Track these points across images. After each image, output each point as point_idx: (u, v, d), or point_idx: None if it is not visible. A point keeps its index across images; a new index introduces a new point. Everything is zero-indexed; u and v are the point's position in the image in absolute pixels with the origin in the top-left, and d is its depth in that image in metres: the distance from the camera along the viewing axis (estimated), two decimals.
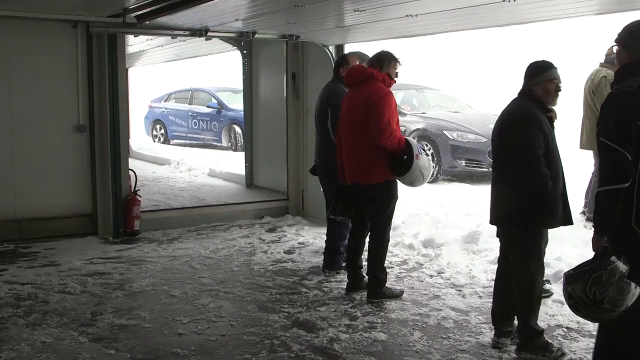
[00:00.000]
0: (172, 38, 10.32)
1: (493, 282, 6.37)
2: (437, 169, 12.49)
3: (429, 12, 6.48)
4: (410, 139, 6.21)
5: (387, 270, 6.31)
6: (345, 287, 6.40)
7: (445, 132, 12.62)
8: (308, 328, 5.43)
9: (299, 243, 8.34)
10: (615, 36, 3.97)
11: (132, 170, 9.13)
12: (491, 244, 7.50)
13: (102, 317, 5.68)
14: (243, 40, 10.55)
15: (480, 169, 12.39)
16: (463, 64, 22.04)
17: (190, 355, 4.91)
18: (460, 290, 6.37)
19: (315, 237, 8.50)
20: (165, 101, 20.64)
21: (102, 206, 8.71)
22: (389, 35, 8.31)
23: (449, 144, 12.44)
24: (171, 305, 6.03)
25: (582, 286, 3.70)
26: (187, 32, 8.81)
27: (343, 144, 6.16)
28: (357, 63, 6.65)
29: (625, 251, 3.69)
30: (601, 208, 3.74)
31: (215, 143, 18.56)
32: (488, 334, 5.27)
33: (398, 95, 14.46)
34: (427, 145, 12.57)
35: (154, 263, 7.41)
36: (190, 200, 10.63)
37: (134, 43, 12.24)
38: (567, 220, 4.86)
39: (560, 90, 4.81)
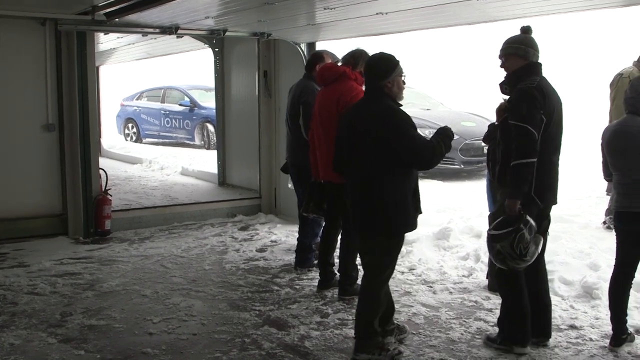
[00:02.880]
0: (143, 36, 10.26)
1: (463, 278, 6.52)
2: None
3: (398, 10, 6.50)
4: None
5: (359, 267, 6.32)
6: (317, 284, 6.40)
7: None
8: (279, 326, 5.44)
9: (271, 241, 8.33)
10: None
11: (103, 170, 9.06)
12: (462, 240, 7.58)
13: (72, 318, 5.64)
14: (214, 38, 10.53)
15: (452, 166, 12.44)
16: (437, 62, 22.14)
17: (161, 355, 4.89)
18: (431, 287, 6.40)
19: (287, 235, 8.50)
20: (137, 99, 20.47)
21: (73, 206, 8.62)
22: (360, 33, 8.34)
23: None
24: (142, 304, 6.00)
25: (509, 243, 4.51)
26: (157, 30, 8.76)
27: (316, 141, 6.16)
28: (330, 61, 6.65)
29: (528, 214, 4.58)
30: (518, 177, 4.56)
31: (188, 141, 18.45)
32: (458, 329, 5.33)
33: None
34: None
35: (125, 263, 7.36)
36: (162, 199, 10.56)
37: (105, 41, 12.12)
38: (418, 210, 4.88)
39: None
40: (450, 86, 17.79)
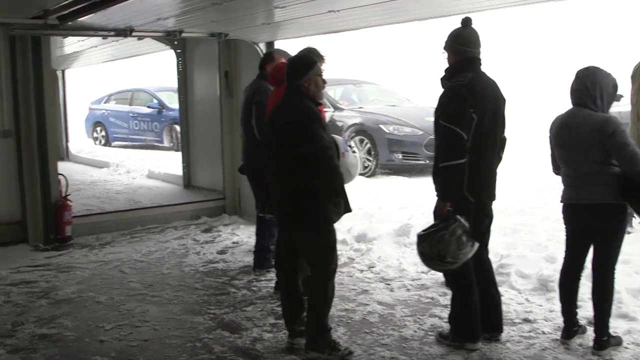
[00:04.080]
0: (104, 38, 10.13)
1: (422, 275, 6.50)
2: (374, 163, 12.53)
3: (350, 7, 6.48)
4: (336, 136, 6.17)
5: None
6: (274, 285, 6.36)
7: (381, 126, 12.64)
8: (232, 329, 5.39)
9: (233, 243, 8.28)
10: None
11: (62, 175, 8.93)
12: None
13: (23, 327, 5.55)
14: (176, 40, 10.43)
15: (417, 162, 12.44)
16: (403, 58, 22.19)
17: None
18: (388, 284, 6.39)
19: (249, 236, 8.44)
20: (105, 102, 20.31)
21: (32, 213, 8.49)
22: (317, 31, 8.31)
23: (386, 138, 12.46)
24: (96, 311, 5.92)
25: (429, 244, 4.55)
26: (112, 32, 8.64)
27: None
28: (283, 60, 6.60)
29: (462, 213, 4.56)
30: (446, 179, 4.59)
31: (157, 143, 18.34)
32: (412, 327, 5.32)
33: (337, 91, 14.51)
34: (365, 141, 12.61)
35: (83, 269, 7.27)
36: (125, 203, 10.45)
37: (68, 44, 12.02)
38: (347, 209, 4.88)
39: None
40: (416, 82, 17.81)
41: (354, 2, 6.32)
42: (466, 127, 4.54)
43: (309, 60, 4.87)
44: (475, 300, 4.81)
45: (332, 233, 4.80)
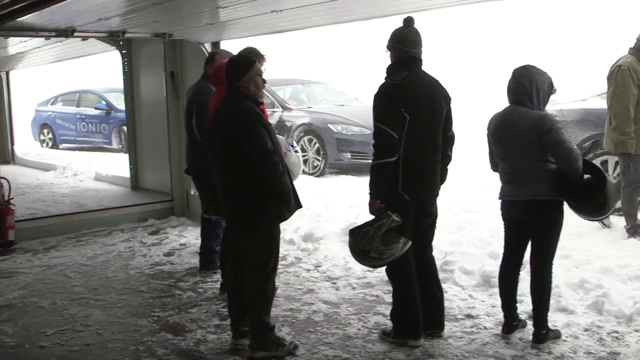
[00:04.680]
0: (46, 39, 9.94)
1: (367, 273, 6.54)
2: (323, 162, 12.56)
3: (292, 7, 6.47)
4: (278, 136, 6.17)
5: None
6: (219, 286, 6.33)
7: (330, 125, 12.66)
8: (176, 331, 5.35)
9: (180, 244, 8.21)
10: None
11: (5, 179, 8.76)
12: None
13: None
14: (121, 40, 10.30)
15: (366, 161, 12.44)
16: (352, 57, 22.30)
17: None
18: (334, 283, 6.41)
19: (197, 238, 8.32)
20: (52, 104, 19.94)
21: None
22: (262, 32, 8.28)
23: (334, 137, 12.49)
24: (37, 317, 5.82)
25: (354, 239, 4.67)
26: (53, 33, 8.49)
27: None
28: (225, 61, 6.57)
29: (396, 210, 4.61)
30: (375, 177, 4.65)
31: (105, 145, 18.09)
32: (356, 325, 5.35)
33: (286, 91, 14.51)
34: (314, 141, 12.62)
35: (25, 274, 7.14)
36: (70, 206, 10.28)
37: (11, 45, 11.76)
38: (298, 205, 4.96)
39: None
40: (365, 81, 17.90)
41: (296, 2, 6.32)
42: (397, 127, 4.60)
43: (248, 60, 4.87)
44: (417, 297, 4.86)
45: (275, 233, 4.82)
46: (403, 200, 4.72)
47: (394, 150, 4.60)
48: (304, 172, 12.67)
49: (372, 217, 4.77)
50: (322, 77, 16.61)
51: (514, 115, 4.79)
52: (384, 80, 4.79)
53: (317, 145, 12.66)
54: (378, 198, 4.69)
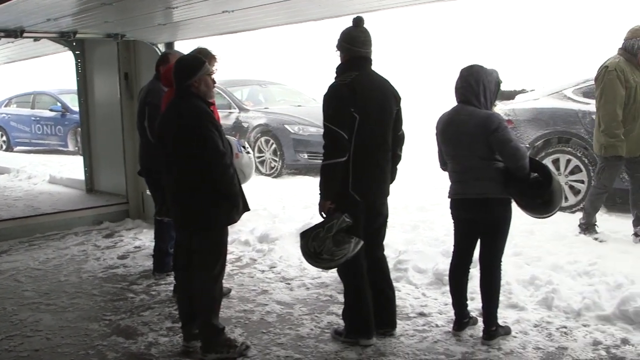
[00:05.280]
0: None
1: (322, 273, 6.54)
2: (280, 163, 12.55)
3: (243, 7, 6.45)
4: (230, 137, 6.14)
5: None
6: (172, 289, 6.28)
7: (286, 126, 12.65)
8: (128, 334, 5.30)
9: (135, 247, 8.13)
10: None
11: None
12: None
13: None
14: (74, 41, 10.16)
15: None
16: (309, 58, 22.29)
17: None
18: (289, 284, 6.41)
19: (152, 240, 8.18)
20: (5, 106, 19.58)
21: None
22: (215, 32, 8.24)
23: (291, 138, 12.48)
24: None
25: (305, 241, 4.66)
26: (2, 34, 8.34)
27: None
28: None
29: (346, 210, 4.64)
30: (325, 178, 4.68)
31: (61, 148, 17.83)
32: (309, 325, 5.36)
33: (243, 92, 14.46)
34: (271, 141, 12.59)
35: None
36: (24, 210, 10.10)
37: None
38: (246, 207, 4.95)
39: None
40: (322, 82, 17.94)
41: (247, 3, 6.30)
42: (347, 127, 4.60)
43: (198, 60, 4.84)
44: (368, 297, 4.87)
45: (224, 234, 4.80)
46: (353, 200, 4.73)
47: (343, 150, 4.60)
48: (261, 173, 12.68)
49: (323, 218, 4.78)
50: (280, 77, 16.61)
51: (462, 114, 4.84)
52: (333, 81, 4.79)
53: (274, 146, 12.64)
54: (328, 199, 4.71)
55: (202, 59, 4.85)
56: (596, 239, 7.30)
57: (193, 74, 4.66)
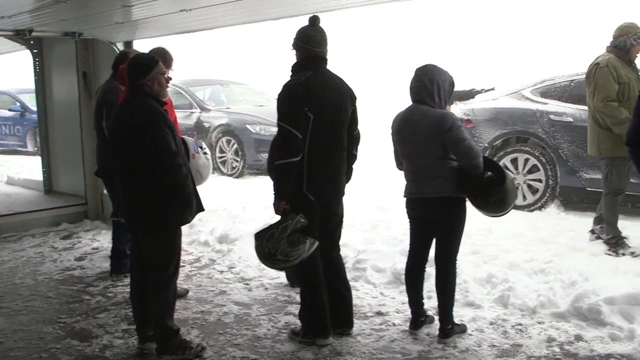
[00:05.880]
0: None
1: (281, 273, 6.52)
2: (242, 163, 12.51)
3: (201, 6, 6.41)
4: (186, 137, 6.08)
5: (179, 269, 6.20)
6: (129, 290, 6.21)
7: (248, 126, 12.61)
8: (82, 337, 5.22)
9: (93, 249, 8.03)
10: None
11: None
12: None
13: None
14: (31, 39, 10.00)
15: None
16: (271, 57, 22.27)
17: None
18: (247, 284, 6.38)
19: (111, 241, 8.18)
20: None
21: None
22: (173, 31, 8.18)
23: (253, 138, 12.45)
24: None
25: (260, 242, 4.62)
26: None
27: None
28: None
29: (301, 211, 4.62)
30: (279, 178, 4.68)
31: (20, 148, 17.56)
32: (266, 325, 5.33)
33: (205, 91, 14.38)
34: (232, 141, 12.53)
35: None
36: None
37: None
38: (200, 208, 4.94)
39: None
40: (284, 81, 17.94)
41: (205, 2, 6.26)
42: (301, 126, 4.58)
43: (151, 59, 4.80)
44: (324, 297, 4.86)
45: (177, 235, 4.76)
46: (308, 200, 4.71)
47: (297, 150, 4.58)
48: (222, 173, 12.63)
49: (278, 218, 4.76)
50: (243, 77, 16.55)
51: (416, 113, 4.85)
52: (288, 80, 4.77)
53: (235, 146, 12.59)
54: (283, 199, 4.69)
55: (155, 58, 4.81)
56: (633, 253, 6.64)
57: (146, 73, 4.61)
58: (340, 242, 6.64)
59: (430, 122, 4.74)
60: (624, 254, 6.61)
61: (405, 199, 5.04)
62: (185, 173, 4.60)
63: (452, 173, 4.79)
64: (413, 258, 5.10)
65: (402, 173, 5.11)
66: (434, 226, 4.93)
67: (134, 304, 5.00)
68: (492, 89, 9.93)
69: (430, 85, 4.79)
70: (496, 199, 4.82)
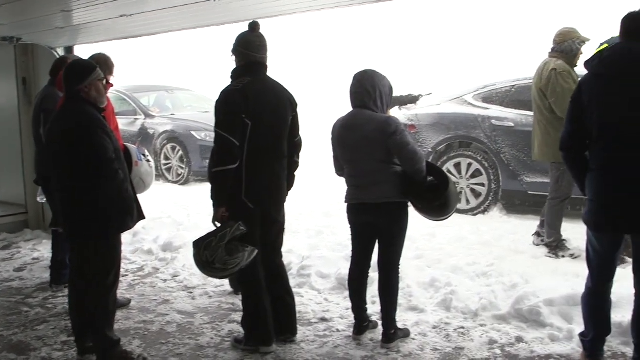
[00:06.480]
0: None
1: (225, 281, 6.47)
2: (187, 170, 12.38)
3: (142, 11, 6.34)
4: (129, 145, 6.00)
5: (121, 278, 6.07)
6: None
7: (193, 132, 12.46)
8: (20, 350, 5.10)
9: (33, 259, 7.85)
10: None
11: None
12: None
13: None
14: None
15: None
16: (216, 63, 22.13)
17: None
18: (191, 292, 6.32)
19: (51, 251, 8.02)
20: None
21: None
22: (115, 36, 8.10)
23: (198, 145, 12.31)
24: None
25: (198, 250, 4.57)
26: None
27: None
28: None
29: (240, 218, 4.56)
30: (217, 185, 4.62)
31: None
32: (209, 334, 5.28)
33: (150, 98, 14.23)
34: (177, 148, 12.42)
35: None
36: None
37: None
38: (141, 216, 4.91)
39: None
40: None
41: (146, 7, 6.20)
42: (238, 133, 4.55)
43: (89, 64, 4.72)
44: (266, 304, 4.83)
45: (117, 243, 4.68)
46: (247, 208, 4.68)
47: (234, 157, 4.55)
48: (167, 180, 12.49)
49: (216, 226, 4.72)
50: (188, 84, 16.41)
51: (360, 118, 4.86)
52: (226, 86, 4.73)
53: (180, 152, 12.46)
54: (221, 206, 4.64)
55: (93, 64, 4.73)
56: (572, 255, 6.72)
57: (83, 79, 4.53)
58: (285, 249, 6.63)
59: (375, 127, 4.75)
60: (563, 256, 6.73)
61: (346, 204, 5.04)
62: (123, 178, 4.53)
63: (396, 177, 4.81)
64: (356, 264, 5.11)
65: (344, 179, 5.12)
66: (377, 231, 4.95)
67: (72, 315, 4.90)
68: (430, 94, 10.05)
69: (372, 91, 4.81)
70: (439, 203, 4.86)
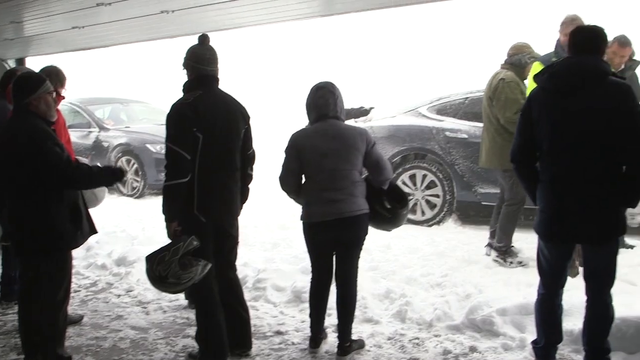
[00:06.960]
0: None
1: (180, 295, 6.40)
2: (142, 183, 12.25)
3: (92, 24, 6.29)
4: (81, 158, 5.91)
5: (73, 294, 6.01)
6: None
7: (148, 145, 12.30)
8: None
9: None
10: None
11: None
12: None
13: None
14: None
15: None
16: (172, 76, 21.96)
17: None
18: (145, 307, 6.24)
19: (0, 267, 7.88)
20: None
21: None
22: (67, 48, 8.08)
23: (153, 158, 12.14)
24: None
25: (150, 265, 4.48)
26: None
27: None
28: None
29: (192, 232, 4.51)
30: (168, 199, 4.55)
31: None
32: (163, 349, 5.23)
33: (105, 110, 14.08)
34: (132, 161, 12.30)
35: None
36: None
37: None
38: (93, 230, 4.91)
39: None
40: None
41: (98, 19, 6.15)
42: (189, 147, 4.51)
43: (37, 77, 4.67)
44: (220, 318, 4.78)
45: (67, 259, 4.61)
46: (199, 222, 4.62)
47: (185, 171, 4.49)
48: (122, 193, 12.34)
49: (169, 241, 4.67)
50: (144, 96, 16.27)
51: (339, 128, 4.84)
52: (177, 100, 4.69)
53: (135, 165, 12.30)
54: (173, 220, 4.59)
55: (42, 77, 4.68)
56: (520, 262, 6.83)
57: (32, 91, 4.48)
58: (240, 262, 6.61)
59: (357, 136, 4.79)
60: (511, 262, 6.83)
61: (308, 223, 4.98)
62: (73, 193, 4.48)
63: (364, 189, 4.87)
64: (318, 280, 5.05)
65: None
66: (339, 245, 4.92)
67: (21, 333, 4.79)
68: (372, 107, 10.19)
69: (338, 102, 4.86)
70: (392, 215, 4.91)
